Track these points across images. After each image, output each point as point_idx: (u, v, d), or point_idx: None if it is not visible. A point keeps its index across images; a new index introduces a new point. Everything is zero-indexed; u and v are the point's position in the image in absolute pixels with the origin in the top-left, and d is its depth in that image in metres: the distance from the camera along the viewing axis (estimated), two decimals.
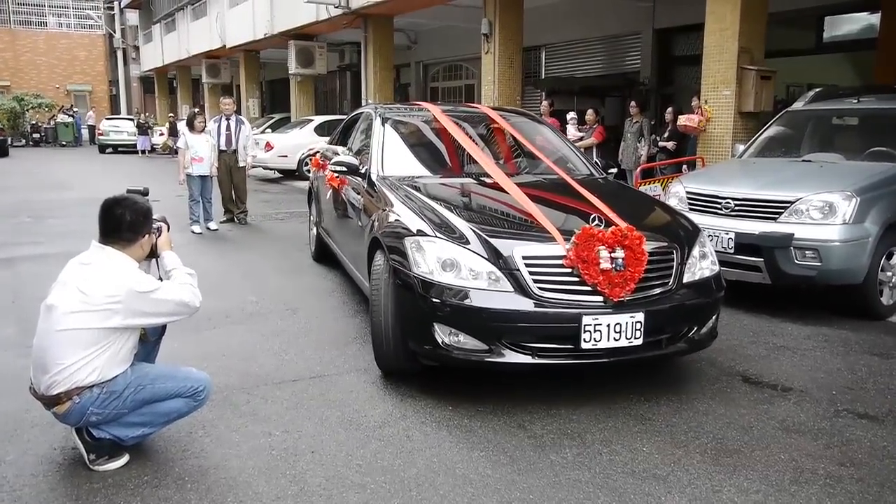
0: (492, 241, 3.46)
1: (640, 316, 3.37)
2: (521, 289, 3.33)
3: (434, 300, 3.36)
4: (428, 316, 3.39)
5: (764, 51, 8.40)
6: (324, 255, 6.68)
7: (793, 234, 5.28)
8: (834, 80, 10.71)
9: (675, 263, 3.63)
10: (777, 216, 5.46)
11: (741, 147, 7.32)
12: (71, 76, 39.42)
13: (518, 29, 12.10)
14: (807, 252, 5.25)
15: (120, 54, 37.41)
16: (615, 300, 3.35)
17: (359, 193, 4.82)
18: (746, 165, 6.63)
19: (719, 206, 5.73)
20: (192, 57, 25.78)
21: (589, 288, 3.35)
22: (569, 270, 3.38)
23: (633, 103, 10.87)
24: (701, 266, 3.78)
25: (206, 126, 8.91)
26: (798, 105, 7.30)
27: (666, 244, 3.67)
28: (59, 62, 39.16)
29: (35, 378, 2.78)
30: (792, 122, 7.28)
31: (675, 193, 6.18)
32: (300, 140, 16.17)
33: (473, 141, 4.95)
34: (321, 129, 16.80)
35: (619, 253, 3.38)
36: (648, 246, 3.49)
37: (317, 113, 19.78)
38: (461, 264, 3.39)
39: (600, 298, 3.36)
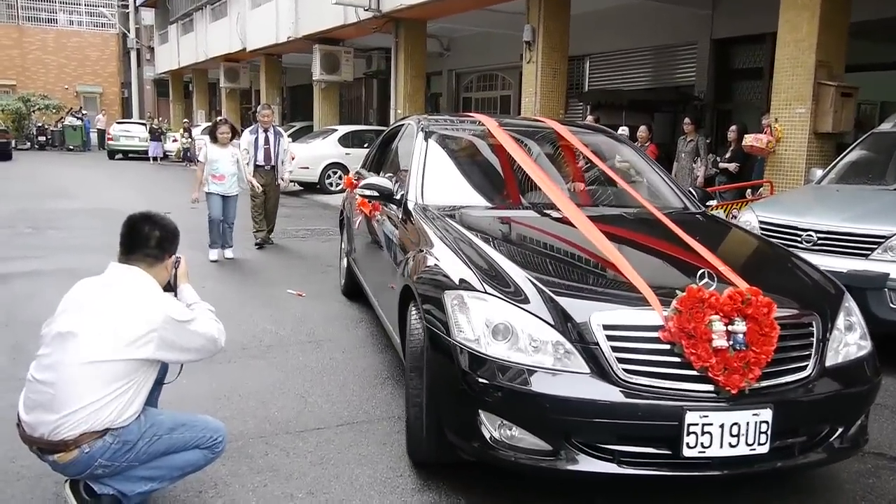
0: (560, 300, 2.79)
1: (767, 413, 2.65)
2: (599, 370, 2.65)
3: (480, 380, 2.70)
4: (471, 401, 2.75)
5: (844, 65, 8.08)
6: (355, 290, 6.07)
7: (888, 275, 4.96)
8: None
9: (814, 339, 2.88)
10: (868, 253, 5.15)
11: (819, 172, 7.00)
12: (81, 77, 40.11)
13: (563, 37, 11.91)
14: None
15: (133, 55, 37.98)
16: (733, 391, 2.64)
17: (393, 225, 4.23)
18: (828, 193, 6.30)
19: (799, 238, 5.43)
20: (210, 60, 26.02)
21: (696, 373, 2.65)
22: (667, 347, 2.68)
23: (687, 120, 10.59)
24: (847, 342, 3.02)
25: (232, 138, 8.00)
26: (886, 126, 6.97)
27: (802, 312, 2.93)
28: (69, 62, 39.89)
29: (31, 418, 2.56)
30: (878, 145, 6.95)
31: (746, 223, 5.88)
32: (323, 151, 16.10)
33: (537, 163, 4.30)
34: (345, 140, 16.77)
35: (740, 325, 2.68)
36: (779, 315, 2.76)
37: (341, 122, 19.75)
38: (518, 331, 2.73)
39: (711, 388, 2.65)
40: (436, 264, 3.25)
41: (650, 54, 14.92)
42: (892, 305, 4.92)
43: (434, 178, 4.21)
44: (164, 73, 34.39)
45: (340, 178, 16.43)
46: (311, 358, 4.80)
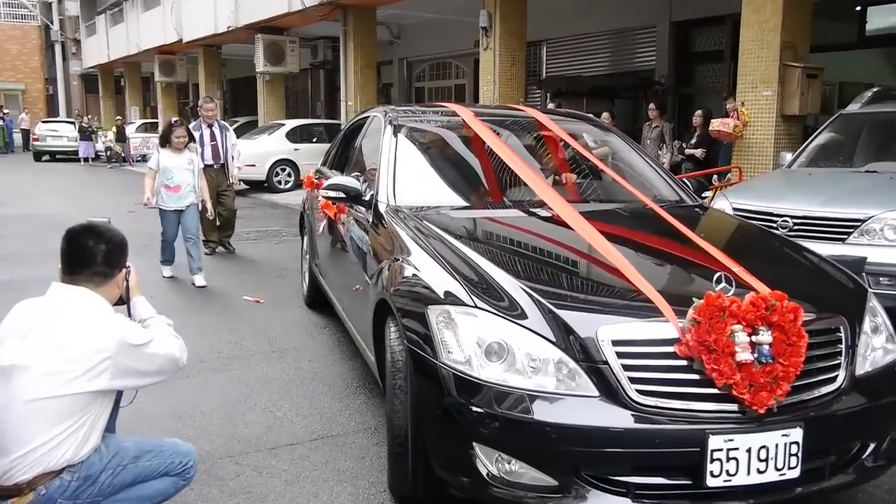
0: (561, 313, 2.56)
1: (797, 433, 2.44)
2: (609, 392, 2.42)
3: (473, 408, 2.48)
4: (463, 432, 2.52)
5: (809, 46, 8.27)
6: (320, 300, 5.78)
7: (865, 259, 5.08)
8: (876, 78, 10.62)
9: (842, 346, 2.68)
10: (845, 237, 5.27)
11: (788, 156, 7.15)
12: (0, 73, 38.76)
13: (521, 21, 11.95)
14: (881, 278, 5.06)
15: (58, 49, 36.90)
16: (760, 410, 2.42)
17: (363, 229, 3.98)
18: (801, 177, 6.43)
19: (774, 225, 5.52)
20: (143, 52, 25.44)
21: (718, 391, 2.44)
22: (684, 363, 2.46)
23: (651, 105, 10.70)
24: (874, 346, 2.82)
25: (188, 142, 7.08)
26: (854, 107, 7.14)
27: (828, 316, 2.72)
28: None
29: None
30: (846, 126, 7.12)
31: (719, 210, 5.97)
32: (270, 147, 15.88)
33: (520, 156, 4.02)
34: (294, 135, 16.55)
35: (765, 335, 2.47)
36: (804, 321, 2.56)
37: (287, 116, 19.49)
38: (514, 350, 2.51)
39: (735, 407, 2.44)
40: (415, 274, 3.00)
41: (609, 38, 15.06)
42: (870, 289, 5.04)
43: (406, 177, 3.96)
44: (92, 67, 33.51)
45: (290, 175, 16.24)
46: (276, 369, 4.71)
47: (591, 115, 5.65)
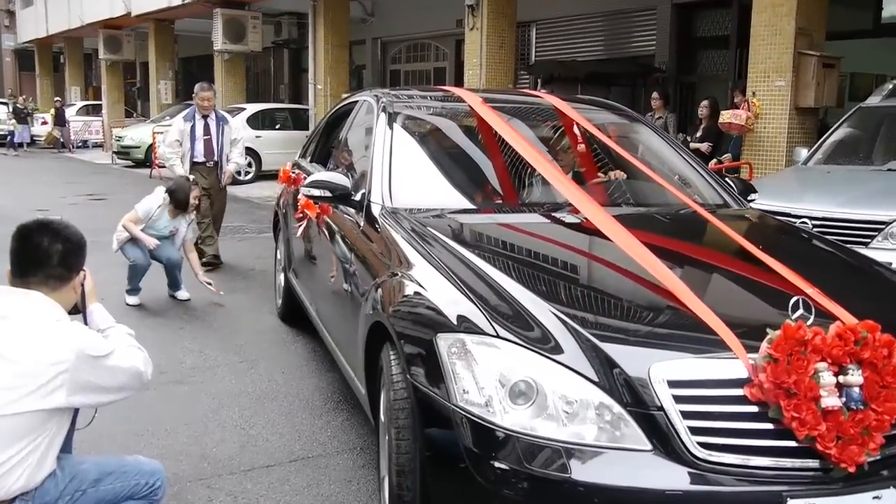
0: (605, 347, 2.28)
1: (891, 495, 2.19)
2: (665, 444, 2.15)
3: (494, 463, 2.20)
4: (482, 493, 2.23)
5: (825, 33, 8.36)
6: (295, 313, 5.54)
7: (890, 264, 5.14)
8: (890, 69, 10.79)
9: None
10: (868, 241, 5.33)
11: (803, 152, 7.23)
12: None
13: (511, 0, 11.95)
14: None
15: None
16: (850, 468, 2.15)
17: (352, 235, 3.74)
18: (818, 175, 6.51)
19: None
20: (87, 26, 25.06)
21: (797, 444, 2.17)
22: (756, 409, 2.20)
23: (655, 95, 10.74)
24: None
25: (195, 206, 6.67)
26: (874, 100, 7.25)
27: None
28: None
29: None
30: (866, 121, 7.23)
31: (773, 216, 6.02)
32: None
33: (538, 150, 3.78)
34: (255, 121, 16.47)
35: (855, 375, 2.21)
36: None
37: (248, 100, 19.36)
38: (546, 391, 2.23)
39: (817, 464, 2.18)
40: (418, 293, 2.74)
41: (604, 20, 15.12)
42: None
43: (404, 174, 3.72)
44: (27, 42, 32.98)
45: (251, 165, 16.12)
46: (246, 381, 4.66)
47: (615, 102, 5.37)
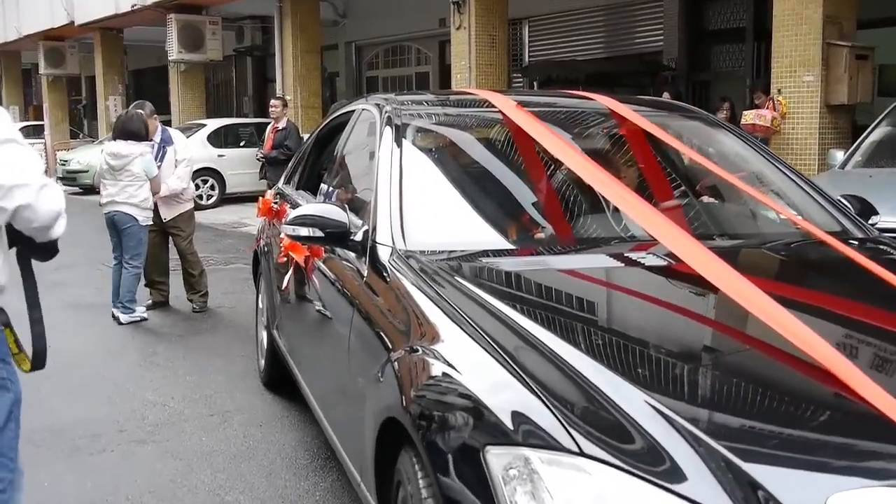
0: (749, 468, 1.67)
1: None
2: None
3: None
4: None
5: (856, 21, 8.36)
6: (284, 380, 4.87)
7: None
8: None
9: None
10: None
11: (839, 154, 7.17)
12: None
13: None
14: None
15: None
16: None
17: (351, 290, 3.21)
18: (860, 180, 6.43)
19: None
20: (25, 38, 24.98)
21: None
22: None
23: (665, 95, 10.73)
24: None
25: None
26: None
27: None
28: None
29: None
30: None
31: None
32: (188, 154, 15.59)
33: (596, 164, 3.16)
34: (217, 139, 16.37)
35: None
36: None
37: (208, 114, 19.26)
38: None
39: None
40: (450, 376, 2.18)
41: (604, 15, 15.17)
42: None
43: (419, 204, 3.21)
44: None
45: (213, 188, 16.01)
46: (219, 437, 4.50)
47: (686, 104, 4.78)
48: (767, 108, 8.49)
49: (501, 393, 2.00)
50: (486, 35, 11.83)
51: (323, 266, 3.67)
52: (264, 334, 5.31)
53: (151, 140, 7.17)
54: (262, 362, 5.37)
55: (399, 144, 3.44)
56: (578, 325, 2.44)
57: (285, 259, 4.14)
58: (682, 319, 2.57)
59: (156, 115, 7.40)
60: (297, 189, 5.10)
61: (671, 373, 2.14)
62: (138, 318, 6.97)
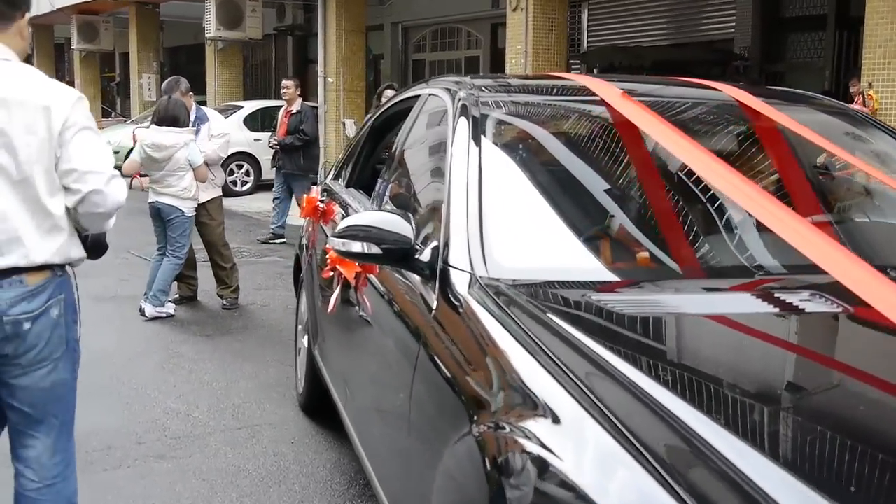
0: None
1: None
2: None
3: None
4: None
5: None
6: (326, 407, 4.37)
7: None
8: None
9: None
10: None
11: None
12: None
13: None
14: None
15: None
16: None
17: (415, 322, 2.72)
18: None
19: None
20: (58, 12, 25.05)
21: None
22: None
23: None
24: None
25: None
26: None
27: None
28: None
29: None
30: None
31: None
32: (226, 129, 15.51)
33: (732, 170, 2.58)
34: (253, 121, 16.21)
35: None
36: None
37: (245, 96, 19.14)
38: None
39: None
40: (561, 474, 1.65)
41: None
42: None
43: (505, 218, 2.72)
44: None
45: (248, 173, 15.86)
46: (246, 455, 4.27)
47: (822, 95, 4.17)
48: (857, 102, 8.07)
49: (625, 496, 1.54)
50: (544, 17, 11.51)
51: (378, 284, 3.18)
52: (304, 346, 4.90)
53: (193, 126, 7.02)
54: (301, 382, 4.94)
55: (478, 141, 2.91)
56: (740, 406, 1.80)
57: (331, 274, 3.59)
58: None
59: (191, 93, 7.25)
60: (347, 187, 4.63)
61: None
62: (164, 315, 6.79)
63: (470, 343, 2.34)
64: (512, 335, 2.10)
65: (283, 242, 10.62)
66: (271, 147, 11.27)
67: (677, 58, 13.75)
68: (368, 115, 5.19)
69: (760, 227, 2.58)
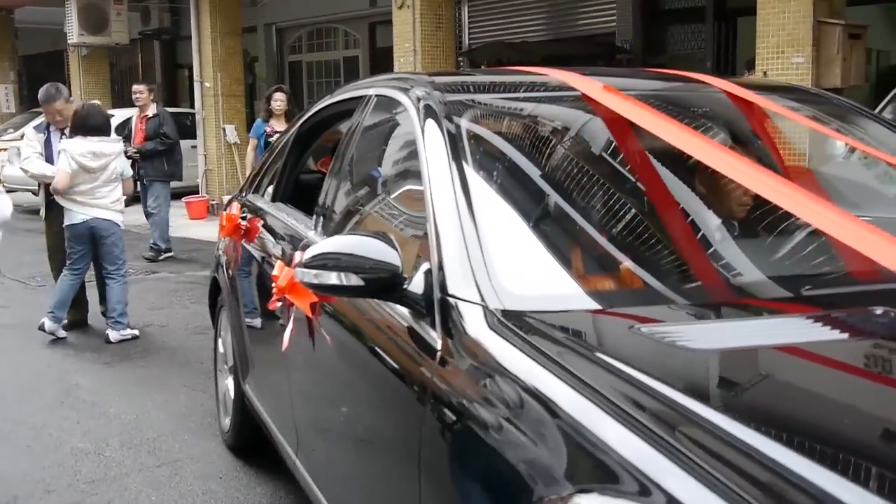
0: None
1: None
2: None
3: None
4: None
5: None
6: (256, 442, 4.13)
7: None
8: None
9: None
10: None
11: (840, 144, 6.88)
12: None
13: None
14: None
15: None
16: None
17: (410, 371, 2.27)
18: (872, 170, 6.14)
19: None
20: None
21: None
22: None
23: None
24: None
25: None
26: None
27: None
28: None
29: None
30: None
31: None
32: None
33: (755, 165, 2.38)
34: (124, 131, 15.41)
35: None
36: None
37: (113, 104, 18.32)
38: None
39: None
40: None
41: None
42: None
43: (504, 235, 2.37)
44: None
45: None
46: (172, 495, 3.95)
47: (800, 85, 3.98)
48: None
49: None
50: (431, 14, 11.34)
51: (341, 314, 2.76)
52: (229, 384, 4.46)
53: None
54: (226, 420, 4.52)
55: (456, 151, 2.55)
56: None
57: (279, 301, 3.06)
58: None
59: (72, 99, 6.88)
60: (271, 200, 4.22)
61: None
62: (129, 336, 6.44)
63: (511, 402, 1.82)
64: (587, 398, 1.65)
65: (171, 256, 10.10)
66: (129, 157, 10.13)
67: (563, 52, 13.79)
68: (294, 121, 4.69)
69: (777, 229, 2.43)
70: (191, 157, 14.95)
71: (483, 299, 2.08)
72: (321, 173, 4.56)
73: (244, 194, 4.70)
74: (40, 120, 7.08)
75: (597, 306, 2.21)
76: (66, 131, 6.57)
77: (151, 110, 10.32)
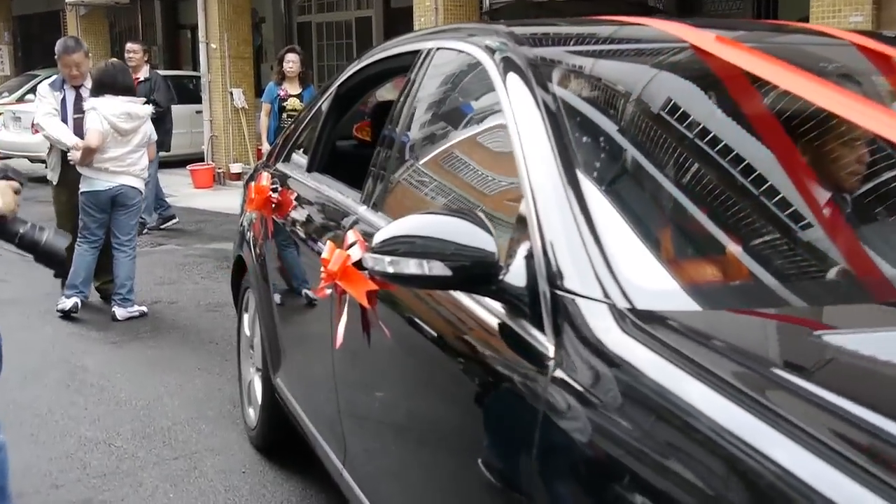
0: None
1: None
2: None
3: None
4: None
5: None
6: (291, 443, 3.84)
7: None
8: None
9: None
10: None
11: None
12: None
13: None
14: None
15: None
16: None
17: (503, 372, 1.91)
18: None
19: None
20: None
21: None
22: None
23: None
24: None
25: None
26: None
27: None
28: None
29: None
30: None
31: None
32: None
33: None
34: None
35: None
36: None
37: None
38: None
39: None
40: None
41: None
42: None
43: (621, 217, 2.01)
44: None
45: None
46: (191, 492, 3.73)
47: None
48: None
49: None
50: None
51: (404, 306, 2.44)
52: (255, 380, 4.20)
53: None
54: (252, 417, 4.24)
55: (552, 115, 2.14)
56: None
57: (328, 287, 2.70)
58: None
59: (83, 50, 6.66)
60: (309, 171, 3.85)
61: None
62: (137, 314, 6.27)
63: (679, 442, 1.39)
64: (804, 447, 1.20)
65: (176, 223, 9.90)
66: None
67: (593, 12, 13.52)
68: (329, 81, 4.26)
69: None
70: (196, 122, 14.75)
71: (607, 295, 1.71)
72: (358, 140, 4.31)
73: (272, 163, 4.37)
74: (55, 77, 6.77)
75: (750, 306, 1.84)
76: (83, 91, 6.36)
77: (144, 73, 9.90)
